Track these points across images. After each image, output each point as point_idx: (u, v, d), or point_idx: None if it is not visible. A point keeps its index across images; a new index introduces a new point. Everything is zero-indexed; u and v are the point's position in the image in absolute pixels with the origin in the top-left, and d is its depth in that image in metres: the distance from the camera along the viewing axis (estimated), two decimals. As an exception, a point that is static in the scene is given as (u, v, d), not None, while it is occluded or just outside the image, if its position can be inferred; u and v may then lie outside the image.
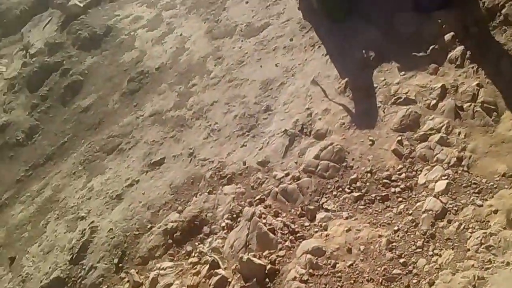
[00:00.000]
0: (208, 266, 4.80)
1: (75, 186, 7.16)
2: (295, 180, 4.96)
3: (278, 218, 4.75)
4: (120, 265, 5.64)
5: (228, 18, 7.49)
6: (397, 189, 4.36)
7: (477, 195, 3.96)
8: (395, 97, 4.91)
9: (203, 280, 4.74)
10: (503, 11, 4.72)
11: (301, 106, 5.56)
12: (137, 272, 5.37)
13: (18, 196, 7.97)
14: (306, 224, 4.60)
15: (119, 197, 6.38)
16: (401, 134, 4.67)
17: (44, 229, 6.95)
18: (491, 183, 3.97)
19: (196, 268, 4.93)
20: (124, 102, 7.80)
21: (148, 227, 5.73)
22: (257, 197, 5.09)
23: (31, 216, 7.38)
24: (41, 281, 6.15)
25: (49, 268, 6.24)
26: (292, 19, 6.55)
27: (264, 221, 4.77)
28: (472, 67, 4.68)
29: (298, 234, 4.54)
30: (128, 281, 5.38)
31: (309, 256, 4.26)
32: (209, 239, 5.14)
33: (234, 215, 5.13)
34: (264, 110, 5.85)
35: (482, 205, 3.88)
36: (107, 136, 7.41)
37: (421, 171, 4.36)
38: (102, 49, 9.08)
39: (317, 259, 4.20)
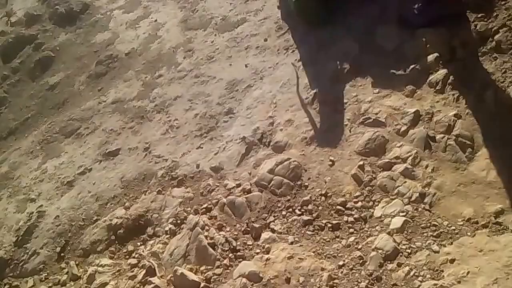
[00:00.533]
0: (144, 271, 4.31)
1: (30, 166, 6.58)
2: (245, 193, 4.39)
3: (221, 232, 4.20)
4: (62, 254, 5.16)
5: (205, 9, 6.85)
6: (350, 219, 3.77)
7: (435, 238, 3.38)
8: (364, 117, 4.32)
9: (138, 286, 4.25)
10: (496, 37, 4.12)
11: (264, 113, 4.97)
12: (77, 265, 4.91)
13: (-23, 168, 7.35)
14: (249, 243, 4.04)
15: (70, 184, 5.84)
16: (364, 158, 4.08)
17: (-6, 206, 6.35)
18: (453, 227, 3.39)
19: (133, 271, 4.44)
20: (90, 85, 7.16)
21: (94, 219, 5.23)
22: (204, 206, 4.54)
23: (-15, 190, 6.76)
24: (-15, 260, 5.59)
25: (-6, 249, 5.67)
26: (270, 17, 5.92)
27: (206, 233, 4.23)
28: (453, 94, 4.08)
29: (239, 253, 3.99)
30: (67, 272, 4.93)
31: (244, 280, 3.72)
32: (151, 242, 4.63)
33: (179, 221, 4.58)
34: (226, 113, 5.25)
35: (438, 251, 3.30)
36: (68, 118, 6.81)
37: (379, 202, 3.77)
38: (77, 27, 8.39)
39: (252, 285, 3.67)
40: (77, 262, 4.96)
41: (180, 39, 6.66)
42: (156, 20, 7.34)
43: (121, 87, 6.72)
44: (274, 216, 4.12)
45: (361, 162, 4.03)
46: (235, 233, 4.17)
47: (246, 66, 5.57)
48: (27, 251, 5.41)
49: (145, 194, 5.10)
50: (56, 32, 8.54)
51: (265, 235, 4.02)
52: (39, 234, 5.48)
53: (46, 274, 5.08)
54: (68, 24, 8.54)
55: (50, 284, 4.95)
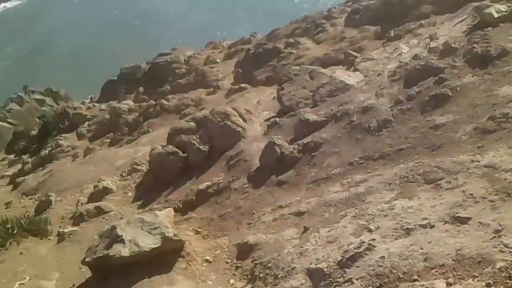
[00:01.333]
0: None
1: (382, 197, 6.95)
2: None
3: None
4: (366, 302, 5.39)
5: None
6: None
7: None
8: None
9: None
10: None
11: None
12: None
13: (343, 177, 8.15)
14: None
15: (408, 232, 5.88)
16: None
17: (339, 219, 7.00)
18: None
19: None
20: (472, 138, 7.01)
21: (413, 278, 5.13)
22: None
23: (338, 201, 7.49)
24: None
25: (322, 257, 6.29)
26: None
27: None
28: None
29: None
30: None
31: None
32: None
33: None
34: None
35: None
36: (436, 164, 6.84)
37: None
38: (486, 72, 8.21)
39: None
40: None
41: None
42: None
43: (501, 152, 6.36)
44: None
45: None
46: None
47: None
48: (344, 275, 5.73)
49: (473, 280, 4.72)
50: (463, 72, 8.60)
51: None
52: (361, 265, 5.72)
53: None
54: (478, 66, 8.50)
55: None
